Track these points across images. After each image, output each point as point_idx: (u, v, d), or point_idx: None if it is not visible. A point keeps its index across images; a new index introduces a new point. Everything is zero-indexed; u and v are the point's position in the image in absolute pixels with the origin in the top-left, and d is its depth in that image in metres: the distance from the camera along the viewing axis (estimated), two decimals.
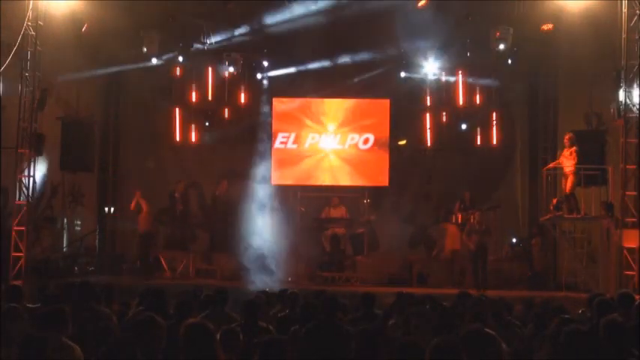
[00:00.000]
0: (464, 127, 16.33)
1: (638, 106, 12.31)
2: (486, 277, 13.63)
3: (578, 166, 13.02)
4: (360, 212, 15.90)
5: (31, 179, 13.31)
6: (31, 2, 13.02)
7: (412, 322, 5.82)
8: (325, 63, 16.20)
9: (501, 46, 14.87)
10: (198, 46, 15.64)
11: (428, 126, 16.60)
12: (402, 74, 16.08)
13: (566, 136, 13.38)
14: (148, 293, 7.10)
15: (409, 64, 16.07)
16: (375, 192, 16.33)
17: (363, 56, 16.08)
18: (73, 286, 6.97)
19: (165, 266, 15.08)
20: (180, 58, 15.77)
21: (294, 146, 16.72)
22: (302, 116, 16.77)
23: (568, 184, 13.16)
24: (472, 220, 14.14)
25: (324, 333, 5.43)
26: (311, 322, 5.79)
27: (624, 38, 12.29)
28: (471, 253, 13.87)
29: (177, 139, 16.86)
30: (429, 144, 16.66)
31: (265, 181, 16.15)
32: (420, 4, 14.42)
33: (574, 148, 13.04)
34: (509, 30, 14.78)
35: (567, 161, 13.14)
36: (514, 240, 15.70)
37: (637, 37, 12.21)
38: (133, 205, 15.03)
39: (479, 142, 16.46)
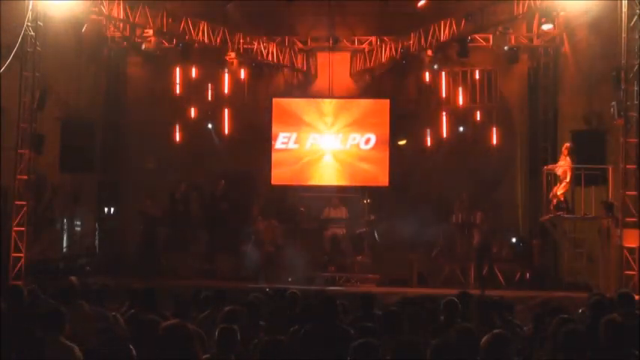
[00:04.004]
0: (464, 127, 16.34)
1: (638, 106, 12.31)
2: (489, 276, 13.64)
3: (575, 165, 13.08)
4: (360, 212, 15.88)
5: (31, 180, 13.30)
6: (31, 3, 13.02)
7: (405, 323, 5.82)
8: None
9: (502, 46, 14.88)
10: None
11: (428, 126, 16.61)
12: (400, 75, 16.08)
13: (564, 145, 13.52)
14: (139, 294, 7.09)
15: (409, 64, 16.07)
16: (375, 192, 16.32)
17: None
18: (71, 286, 6.97)
19: (165, 267, 15.06)
20: (180, 59, 15.78)
21: (294, 146, 16.72)
22: (302, 116, 16.77)
23: (558, 186, 13.32)
24: (476, 220, 14.14)
25: (324, 333, 5.43)
26: (311, 323, 5.79)
27: (624, 38, 12.28)
28: (474, 252, 13.89)
29: (178, 139, 16.86)
30: (429, 144, 16.67)
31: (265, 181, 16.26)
32: (420, 4, 14.44)
33: (568, 156, 13.13)
34: (510, 30, 14.77)
35: (560, 168, 13.31)
36: (514, 240, 15.68)
37: (637, 37, 12.21)
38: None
39: (479, 143, 16.46)
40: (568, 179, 13.30)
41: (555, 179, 13.74)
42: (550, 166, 14.13)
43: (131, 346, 3.81)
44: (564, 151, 13.50)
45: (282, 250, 14.86)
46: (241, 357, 4.98)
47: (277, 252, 14.80)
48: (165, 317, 6.17)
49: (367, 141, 16.59)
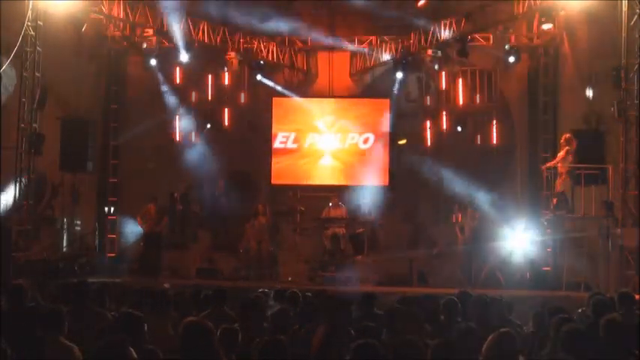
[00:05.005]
0: (464, 126, 16.34)
1: (638, 106, 12.32)
2: (479, 275, 13.65)
3: (574, 165, 13.04)
4: (360, 212, 15.89)
5: (31, 179, 13.30)
6: (31, 2, 13.03)
7: (405, 323, 5.82)
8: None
9: (502, 46, 14.88)
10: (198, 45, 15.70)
11: (428, 126, 16.63)
12: (400, 74, 16.07)
13: (562, 137, 13.49)
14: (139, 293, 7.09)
15: (409, 64, 16.07)
16: (375, 192, 16.33)
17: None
18: (71, 286, 6.97)
19: (165, 266, 15.05)
20: (181, 58, 15.79)
21: (294, 146, 16.75)
22: (302, 116, 16.79)
23: (558, 183, 13.26)
24: (465, 217, 14.16)
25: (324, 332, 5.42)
26: (311, 322, 5.79)
27: (624, 37, 12.29)
28: (463, 250, 13.93)
29: (178, 139, 16.86)
30: (429, 144, 16.67)
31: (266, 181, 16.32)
32: (420, 3, 14.45)
33: (567, 148, 13.09)
34: (510, 30, 14.77)
35: (561, 161, 13.24)
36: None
37: (637, 37, 12.21)
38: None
39: (479, 142, 16.46)
40: (562, 170, 13.19)
41: (555, 178, 13.73)
42: (549, 164, 14.09)
43: (131, 348, 3.81)
44: (563, 143, 13.43)
45: (272, 248, 14.93)
46: (242, 357, 4.98)
47: (268, 251, 14.84)
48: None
49: (367, 140, 16.62)
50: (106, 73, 16.84)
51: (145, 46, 15.29)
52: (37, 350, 4.63)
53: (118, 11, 14.69)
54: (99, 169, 16.46)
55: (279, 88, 16.67)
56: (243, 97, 16.90)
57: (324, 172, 16.72)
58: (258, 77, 16.55)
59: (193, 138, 16.89)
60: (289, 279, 14.23)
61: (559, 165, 13.24)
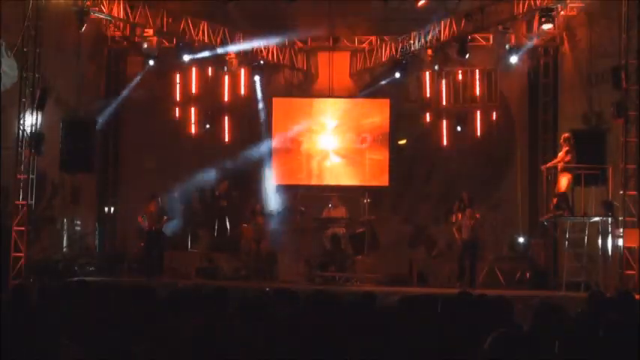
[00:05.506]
0: (463, 126, 16.34)
1: (638, 106, 12.33)
2: (474, 275, 13.67)
3: (574, 165, 13.04)
4: (360, 212, 15.90)
5: (31, 179, 13.31)
6: (31, 2, 13.02)
7: (405, 323, 5.81)
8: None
9: (502, 46, 14.88)
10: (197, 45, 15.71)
11: (428, 126, 16.62)
12: (399, 74, 16.06)
13: (562, 137, 13.51)
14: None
15: (409, 64, 16.08)
16: (375, 192, 16.34)
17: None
18: (71, 286, 6.97)
19: (165, 266, 15.05)
20: (181, 58, 15.79)
21: (294, 146, 16.74)
22: (302, 116, 16.79)
23: (558, 183, 13.29)
24: (464, 217, 14.20)
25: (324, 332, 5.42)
26: (311, 322, 5.78)
27: (624, 37, 12.30)
28: (460, 249, 13.97)
29: (177, 138, 16.85)
30: (429, 144, 16.66)
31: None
32: (420, 3, 14.45)
33: (566, 148, 13.10)
34: (510, 30, 14.77)
35: (561, 161, 13.25)
36: (514, 239, 15.70)
37: (637, 37, 12.22)
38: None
39: (478, 142, 16.46)
40: (562, 169, 13.17)
41: (555, 179, 13.74)
42: (549, 164, 14.09)
43: (134, 347, 3.82)
44: (562, 143, 13.44)
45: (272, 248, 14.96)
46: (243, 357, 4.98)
47: (268, 250, 14.87)
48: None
49: (367, 140, 16.61)
50: (106, 73, 16.84)
51: (145, 46, 15.29)
52: (37, 351, 4.62)
53: (118, 11, 14.70)
54: (99, 169, 16.46)
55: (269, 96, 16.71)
56: (243, 97, 16.88)
57: (324, 172, 16.72)
58: (257, 78, 16.55)
59: (193, 137, 16.88)
60: (289, 279, 14.25)
61: (559, 165, 13.25)
